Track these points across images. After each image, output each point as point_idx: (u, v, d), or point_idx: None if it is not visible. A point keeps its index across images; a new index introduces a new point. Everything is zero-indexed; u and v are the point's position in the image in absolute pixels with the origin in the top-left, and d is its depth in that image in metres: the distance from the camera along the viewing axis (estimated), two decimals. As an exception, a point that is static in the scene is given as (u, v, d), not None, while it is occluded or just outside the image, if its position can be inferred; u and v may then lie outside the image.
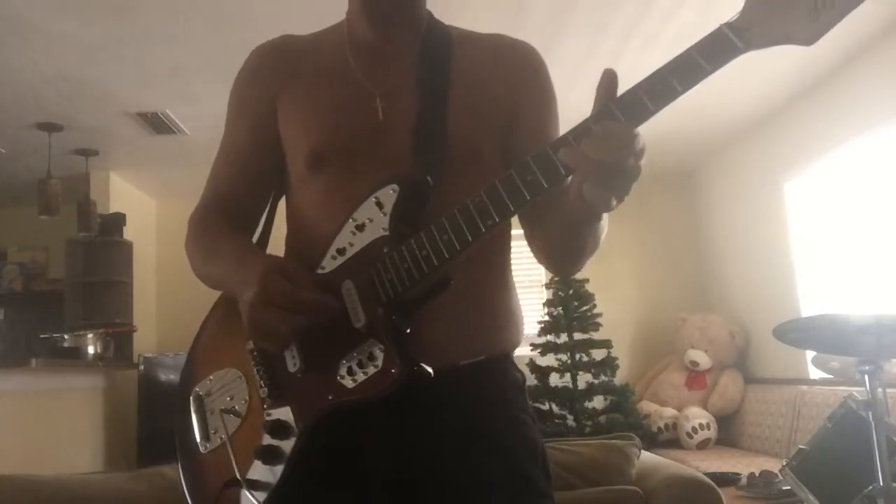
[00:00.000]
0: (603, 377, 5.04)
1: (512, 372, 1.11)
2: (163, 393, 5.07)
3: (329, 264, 1.00)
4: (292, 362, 1.00)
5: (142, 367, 5.14)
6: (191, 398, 1.11)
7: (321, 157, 1.06)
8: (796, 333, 2.67)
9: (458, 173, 1.01)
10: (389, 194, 0.97)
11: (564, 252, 1.08)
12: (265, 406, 1.02)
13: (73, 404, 4.44)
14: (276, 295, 0.91)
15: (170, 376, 5.21)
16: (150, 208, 6.31)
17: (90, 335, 4.51)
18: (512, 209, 0.86)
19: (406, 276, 0.92)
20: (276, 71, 1.13)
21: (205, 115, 4.46)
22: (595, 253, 1.06)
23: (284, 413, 0.99)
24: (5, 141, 4.87)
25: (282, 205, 1.20)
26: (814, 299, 4.64)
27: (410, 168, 1.00)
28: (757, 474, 3.64)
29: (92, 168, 5.32)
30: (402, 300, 0.94)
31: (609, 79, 0.84)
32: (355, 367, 0.94)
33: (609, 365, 5.08)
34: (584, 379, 5.06)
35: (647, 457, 2.43)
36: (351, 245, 0.98)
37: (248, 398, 1.05)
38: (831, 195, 4.52)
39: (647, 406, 5.38)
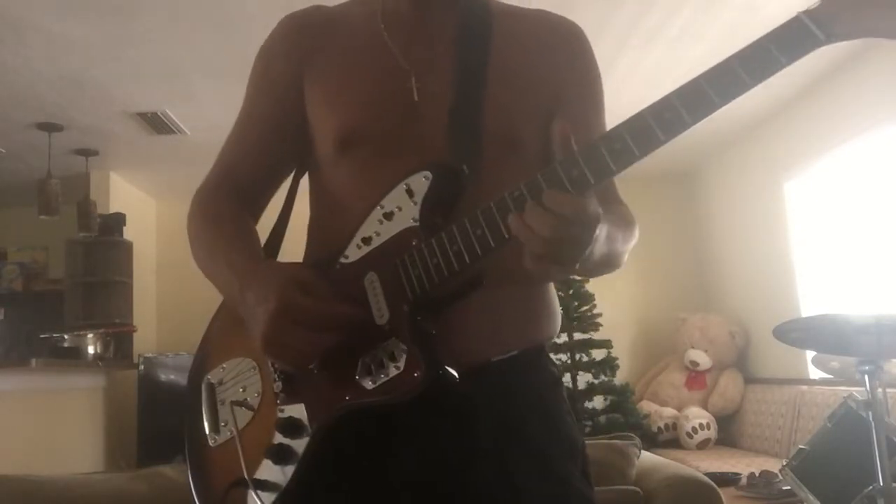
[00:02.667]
0: (603, 377, 5.05)
1: (547, 366, 1.04)
2: (163, 393, 5.07)
3: (353, 253, 0.93)
4: None
5: (142, 367, 5.14)
6: (202, 386, 1.05)
7: (350, 138, 1.00)
8: (796, 333, 2.68)
9: (495, 162, 0.95)
10: (421, 182, 0.89)
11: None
12: (278, 402, 0.95)
13: (73, 404, 4.44)
14: (299, 312, 0.85)
15: (170, 376, 5.22)
16: (150, 208, 6.31)
17: (90, 335, 4.51)
18: None
19: (435, 273, 0.85)
20: (303, 43, 1.06)
21: (205, 115, 4.46)
22: (620, 264, 1.00)
23: (298, 410, 0.93)
24: (5, 141, 4.87)
25: (304, 188, 1.13)
26: (814, 299, 4.63)
27: (445, 155, 0.93)
28: (757, 474, 3.64)
29: (92, 168, 5.32)
30: (429, 298, 0.87)
31: (562, 134, 0.77)
32: (375, 367, 0.88)
33: (609, 365, 5.08)
34: (584, 379, 5.06)
35: (647, 457, 2.43)
36: (377, 234, 0.92)
37: (261, 391, 0.99)
38: (831, 195, 4.52)
39: (647, 406, 5.37)
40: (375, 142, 0.99)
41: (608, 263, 0.96)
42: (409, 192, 0.90)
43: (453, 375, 0.85)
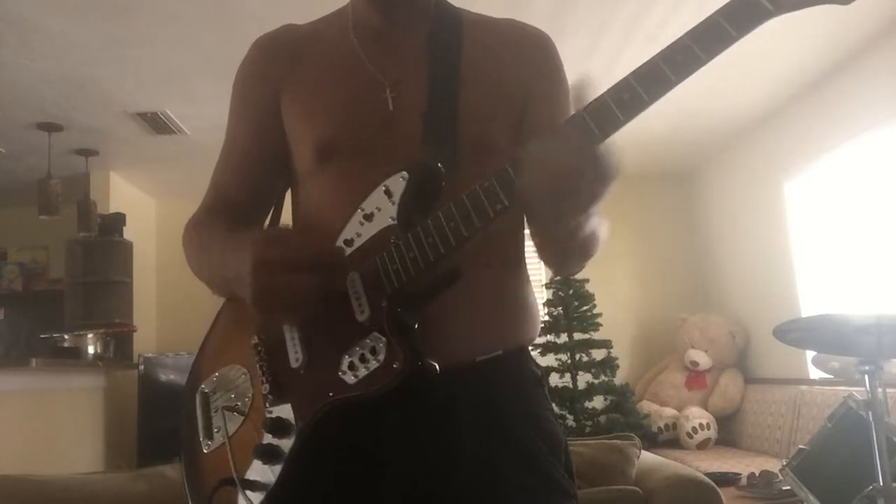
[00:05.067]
0: (603, 377, 5.05)
1: (529, 366, 1.07)
2: (163, 393, 5.07)
3: None
4: (294, 357, 0.96)
5: (142, 367, 5.14)
6: (196, 396, 1.08)
7: (330, 150, 1.03)
8: (796, 333, 2.67)
9: (470, 163, 0.97)
10: (399, 182, 0.92)
11: (552, 254, 1.05)
12: (267, 403, 0.98)
13: (73, 404, 4.44)
14: (275, 260, 0.87)
15: (170, 376, 5.22)
16: (150, 208, 6.31)
17: (90, 335, 4.51)
18: None
19: (411, 266, 0.88)
20: (277, 63, 1.09)
21: (205, 115, 4.46)
22: (594, 255, 1.02)
23: (285, 411, 0.95)
24: (5, 141, 4.87)
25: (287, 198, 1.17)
26: (814, 299, 4.64)
27: (421, 156, 0.96)
28: (757, 474, 3.64)
29: (92, 168, 5.32)
30: (407, 292, 0.89)
31: (580, 88, 0.79)
32: (357, 362, 0.90)
33: (609, 365, 5.08)
34: (584, 379, 5.06)
35: (647, 457, 2.43)
36: (359, 235, 0.94)
37: (251, 395, 1.01)
38: (831, 195, 4.52)
39: (647, 406, 5.38)
40: (353, 152, 1.02)
41: (590, 244, 0.98)
42: (388, 193, 0.93)
43: (434, 367, 0.87)
